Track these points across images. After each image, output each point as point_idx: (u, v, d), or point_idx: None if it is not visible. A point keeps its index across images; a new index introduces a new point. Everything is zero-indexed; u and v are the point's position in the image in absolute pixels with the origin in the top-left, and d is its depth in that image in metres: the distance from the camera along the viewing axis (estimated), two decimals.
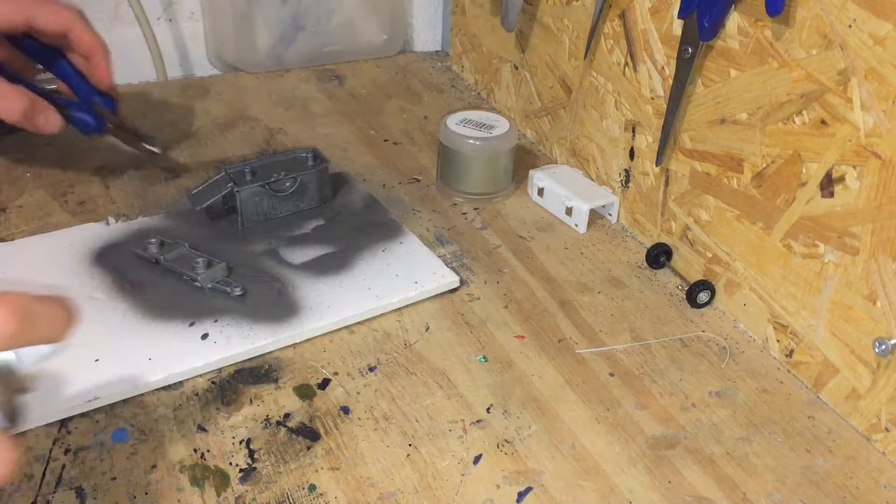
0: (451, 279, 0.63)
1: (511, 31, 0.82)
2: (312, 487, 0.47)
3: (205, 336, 0.56)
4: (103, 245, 0.64)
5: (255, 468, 0.48)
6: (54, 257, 0.62)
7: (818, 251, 0.53)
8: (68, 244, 0.63)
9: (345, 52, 1.02)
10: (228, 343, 0.55)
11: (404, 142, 0.85)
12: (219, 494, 0.46)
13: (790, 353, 0.57)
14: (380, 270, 0.63)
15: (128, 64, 0.96)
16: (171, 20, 0.99)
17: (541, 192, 0.74)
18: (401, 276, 0.62)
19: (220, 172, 0.67)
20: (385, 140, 0.85)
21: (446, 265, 0.64)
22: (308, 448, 0.50)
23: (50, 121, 0.61)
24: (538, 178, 0.74)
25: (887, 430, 0.51)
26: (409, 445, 0.50)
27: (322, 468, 0.48)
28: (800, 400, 0.55)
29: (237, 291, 0.59)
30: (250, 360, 0.56)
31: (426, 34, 1.06)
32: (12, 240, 0.64)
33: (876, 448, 0.51)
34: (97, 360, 0.53)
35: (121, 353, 0.54)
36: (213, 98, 0.91)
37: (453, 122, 0.74)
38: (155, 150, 0.70)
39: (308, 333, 0.57)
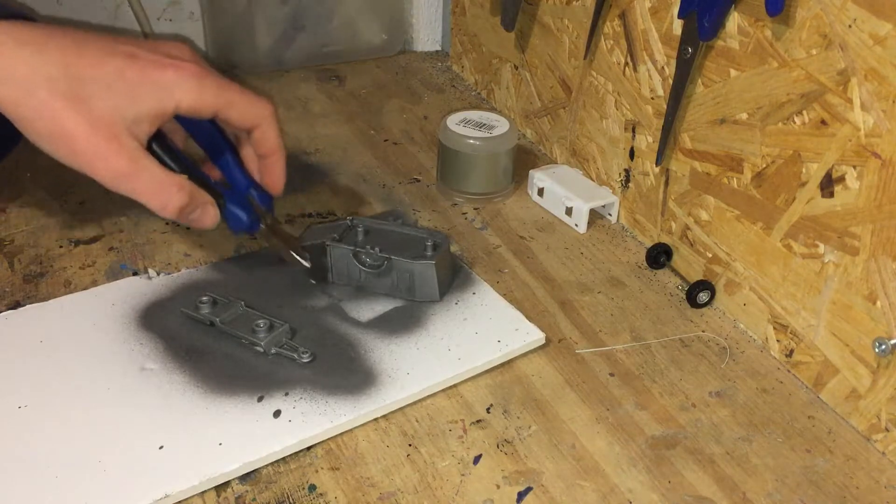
0: (537, 336, 0.58)
1: (511, 31, 0.82)
2: (312, 487, 0.47)
3: (277, 413, 0.50)
4: (148, 303, 0.59)
5: (256, 468, 0.48)
6: (97, 320, 0.57)
7: (818, 251, 0.53)
8: (110, 304, 0.58)
9: (345, 52, 1.02)
10: (304, 421, 0.50)
11: (404, 142, 0.85)
12: (219, 494, 0.46)
13: (790, 353, 0.57)
14: (457, 327, 0.58)
15: None
16: (171, 20, 0.99)
17: (541, 192, 0.74)
18: (481, 335, 0.57)
19: (346, 220, 0.63)
20: (385, 140, 0.85)
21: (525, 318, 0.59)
22: (308, 448, 0.50)
23: (207, 217, 0.53)
24: (538, 178, 0.74)
25: (887, 430, 0.51)
26: (409, 445, 0.50)
27: (322, 468, 0.48)
28: (800, 400, 0.55)
29: (305, 358, 0.54)
30: None
31: (426, 34, 1.06)
32: (44, 301, 0.59)
33: (876, 448, 0.51)
34: (161, 447, 0.48)
35: (187, 438, 0.48)
36: None
37: (453, 122, 0.74)
38: (305, 263, 0.60)
39: (390, 406, 0.52)
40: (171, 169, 0.51)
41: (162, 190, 0.50)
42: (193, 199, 0.52)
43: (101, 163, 0.47)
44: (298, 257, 0.60)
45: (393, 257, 0.59)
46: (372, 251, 0.60)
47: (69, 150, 0.47)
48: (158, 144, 0.51)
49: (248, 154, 0.58)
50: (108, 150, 0.47)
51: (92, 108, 0.47)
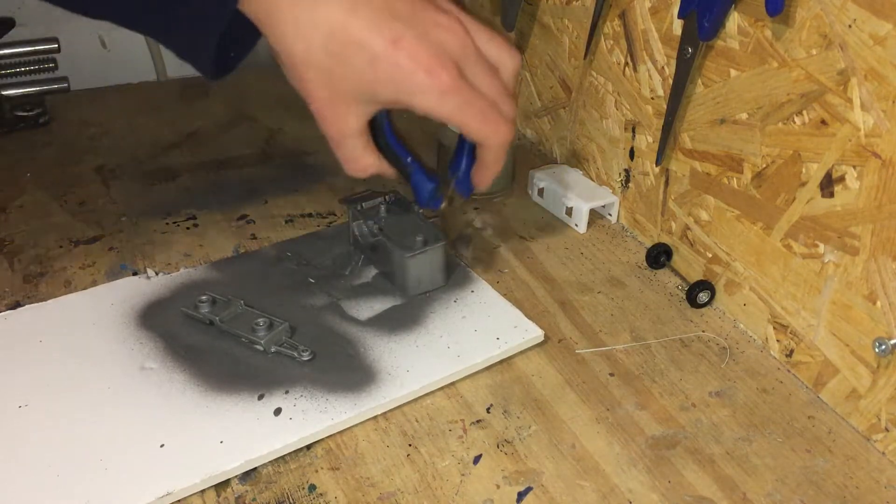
0: (536, 333, 0.58)
1: (511, 32, 0.81)
2: (312, 487, 0.47)
3: (278, 411, 0.50)
4: (147, 303, 0.59)
5: (256, 468, 0.48)
6: (96, 319, 0.57)
7: (818, 251, 0.53)
8: (109, 303, 0.59)
9: None
10: (305, 419, 0.50)
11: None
12: (219, 494, 0.46)
13: (790, 353, 0.57)
14: (456, 325, 0.58)
15: (128, 64, 0.96)
16: None
17: (541, 192, 0.74)
18: (480, 332, 0.57)
19: (386, 196, 0.65)
20: None
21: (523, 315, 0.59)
22: (308, 448, 0.50)
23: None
24: (538, 178, 0.74)
25: (887, 430, 0.51)
26: (409, 445, 0.50)
27: (322, 468, 0.48)
28: (800, 400, 0.55)
29: (305, 356, 0.54)
30: None
31: None
32: (44, 301, 0.59)
33: (876, 448, 0.51)
34: (163, 446, 0.48)
35: (188, 436, 0.48)
36: (213, 98, 0.91)
37: None
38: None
39: (390, 403, 0.52)
40: (377, 145, 0.56)
41: (354, 164, 0.55)
42: (378, 173, 0.56)
43: (323, 123, 0.52)
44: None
45: (382, 238, 0.61)
46: (372, 226, 0.62)
47: (307, 101, 0.51)
48: (376, 123, 0.54)
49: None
50: (334, 118, 0.51)
51: (338, 82, 0.49)
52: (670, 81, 0.61)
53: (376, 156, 0.55)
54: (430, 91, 0.49)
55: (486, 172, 0.57)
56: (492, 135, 0.53)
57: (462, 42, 0.50)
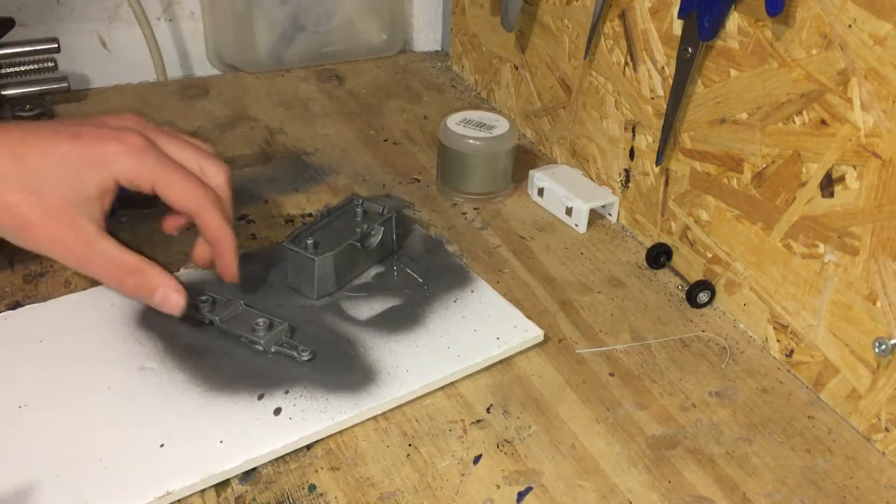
0: (536, 333, 0.58)
1: (511, 31, 0.82)
2: (312, 487, 0.47)
3: (278, 411, 0.50)
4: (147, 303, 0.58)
5: (255, 468, 0.48)
6: (96, 319, 0.57)
7: (818, 251, 0.53)
8: (109, 303, 0.58)
9: (345, 52, 1.01)
10: (305, 419, 0.50)
11: (404, 142, 0.85)
12: (219, 494, 0.46)
13: (790, 353, 0.57)
14: (455, 325, 0.58)
15: (128, 64, 0.96)
16: (171, 20, 0.99)
17: (541, 192, 0.74)
18: (480, 332, 0.57)
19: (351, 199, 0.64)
20: (385, 140, 0.85)
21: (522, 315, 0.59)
22: (308, 448, 0.50)
23: (168, 303, 0.53)
24: (538, 178, 0.74)
25: (887, 430, 0.51)
26: (409, 445, 0.50)
27: (322, 468, 0.48)
28: (800, 400, 0.55)
29: (305, 356, 0.54)
30: None
31: (426, 34, 1.06)
32: (44, 301, 0.59)
33: (876, 448, 0.51)
34: (163, 446, 0.48)
35: (188, 436, 0.48)
36: (213, 98, 0.91)
37: (453, 122, 0.74)
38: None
39: (390, 403, 0.52)
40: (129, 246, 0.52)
41: (115, 272, 0.51)
42: (148, 279, 0.52)
43: (60, 249, 0.50)
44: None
45: (380, 223, 0.63)
46: (368, 230, 0.62)
47: (30, 239, 0.49)
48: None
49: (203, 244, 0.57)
50: (65, 237, 0.49)
51: (44, 198, 0.48)
52: (670, 81, 0.61)
53: (135, 257, 0.52)
54: (124, 154, 0.50)
55: (227, 253, 0.55)
56: (199, 192, 0.52)
57: (137, 117, 0.53)
